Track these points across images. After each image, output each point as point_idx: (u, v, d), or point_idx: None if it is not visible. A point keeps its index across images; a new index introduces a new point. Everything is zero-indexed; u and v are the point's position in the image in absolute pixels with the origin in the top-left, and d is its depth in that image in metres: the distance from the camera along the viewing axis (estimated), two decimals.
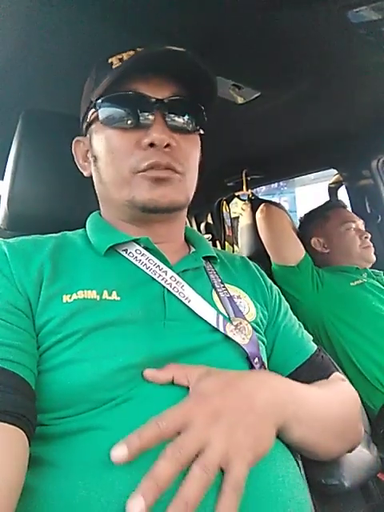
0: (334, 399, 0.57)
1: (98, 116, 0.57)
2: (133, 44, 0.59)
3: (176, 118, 0.55)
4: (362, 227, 1.35)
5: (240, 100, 0.98)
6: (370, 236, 1.32)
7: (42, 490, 0.40)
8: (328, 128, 1.24)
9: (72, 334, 0.47)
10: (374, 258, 1.33)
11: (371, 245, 1.32)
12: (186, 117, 0.56)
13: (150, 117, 0.54)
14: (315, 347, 0.68)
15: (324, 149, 1.36)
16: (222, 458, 0.38)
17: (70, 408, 0.45)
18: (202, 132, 0.61)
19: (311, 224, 1.42)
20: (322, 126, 1.22)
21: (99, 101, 0.56)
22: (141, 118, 0.54)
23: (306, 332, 0.70)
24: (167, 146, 0.54)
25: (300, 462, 0.54)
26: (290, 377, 0.62)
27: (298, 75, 0.89)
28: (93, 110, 0.58)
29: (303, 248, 1.29)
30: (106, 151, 0.57)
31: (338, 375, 0.66)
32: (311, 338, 0.70)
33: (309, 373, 0.63)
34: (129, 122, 0.55)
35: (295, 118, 1.15)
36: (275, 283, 1.23)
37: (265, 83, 0.92)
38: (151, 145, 0.53)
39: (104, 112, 0.56)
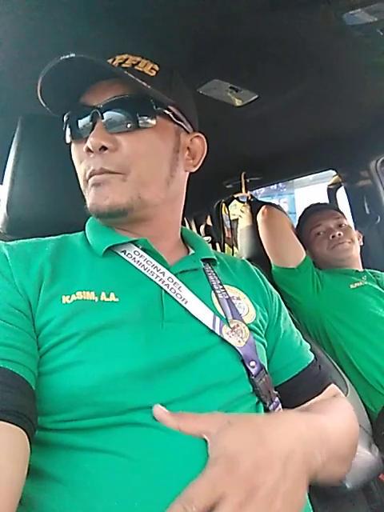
0: (345, 428, 0.55)
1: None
2: (131, 48, 0.59)
3: (113, 120, 0.54)
4: (334, 225, 1.31)
5: (238, 102, 0.98)
6: (339, 234, 1.28)
7: (45, 504, 0.41)
8: (326, 129, 1.24)
9: (72, 336, 0.47)
10: (350, 253, 1.29)
11: (343, 241, 1.28)
12: (126, 116, 0.55)
13: (89, 124, 0.55)
14: (312, 357, 0.68)
15: (322, 150, 1.36)
16: None
17: (71, 411, 0.45)
18: (149, 122, 0.56)
19: (297, 235, 1.41)
20: (320, 127, 1.22)
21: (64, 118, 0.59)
22: (81, 127, 0.56)
23: (304, 341, 0.70)
24: (103, 148, 0.54)
25: None
26: (286, 384, 0.63)
27: (295, 77, 0.90)
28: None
29: (303, 250, 1.29)
30: (74, 162, 0.60)
31: (333, 388, 0.67)
32: (309, 346, 0.70)
33: (305, 382, 0.64)
34: (75, 133, 0.57)
35: (293, 120, 1.16)
36: (275, 285, 1.24)
37: (262, 85, 0.92)
38: (90, 150, 0.54)
39: (65, 128, 0.59)
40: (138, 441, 0.44)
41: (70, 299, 0.50)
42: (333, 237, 1.29)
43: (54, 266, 0.54)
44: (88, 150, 0.54)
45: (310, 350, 0.70)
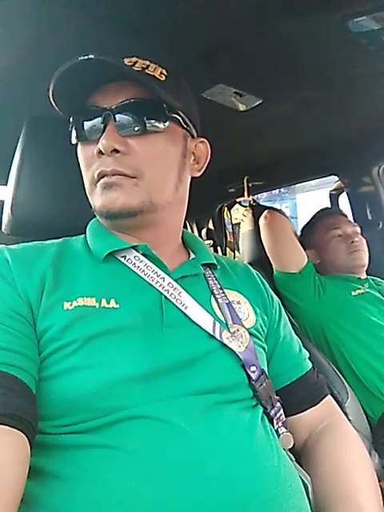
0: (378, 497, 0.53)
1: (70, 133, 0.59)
2: (136, 51, 0.59)
3: (126, 123, 0.54)
4: (352, 232, 1.32)
5: (242, 107, 0.99)
6: (358, 240, 1.29)
7: (45, 500, 0.41)
8: (329, 135, 1.25)
9: (73, 342, 0.48)
10: (365, 262, 1.30)
11: (361, 249, 1.29)
12: (139, 119, 0.54)
13: (100, 126, 0.54)
14: (310, 365, 0.68)
15: (325, 156, 1.37)
16: None
17: (70, 416, 0.45)
18: (161, 127, 0.56)
19: (304, 237, 1.42)
20: (322, 133, 1.22)
21: (70, 119, 0.58)
22: (92, 129, 0.55)
23: (304, 349, 0.70)
24: (116, 151, 0.54)
25: (307, 479, 0.54)
26: (282, 390, 0.62)
27: (299, 83, 0.90)
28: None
29: (305, 255, 1.29)
30: (80, 164, 0.59)
31: (330, 400, 0.66)
32: (308, 354, 0.70)
33: (302, 390, 0.64)
34: (84, 135, 0.56)
35: (296, 125, 1.16)
36: (277, 290, 1.24)
37: (266, 91, 0.93)
38: (102, 153, 0.54)
39: (72, 129, 0.58)
40: (135, 433, 0.44)
41: (71, 305, 0.50)
42: (352, 242, 1.28)
43: (55, 272, 0.54)
44: (99, 152, 0.54)
45: (311, 356, 0.70)
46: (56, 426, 0.46)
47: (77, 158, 0.61)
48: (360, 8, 0.64)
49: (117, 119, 0.54)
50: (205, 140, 0.66)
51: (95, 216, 0.64)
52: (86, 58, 0.50)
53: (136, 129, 0.54)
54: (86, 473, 0.42)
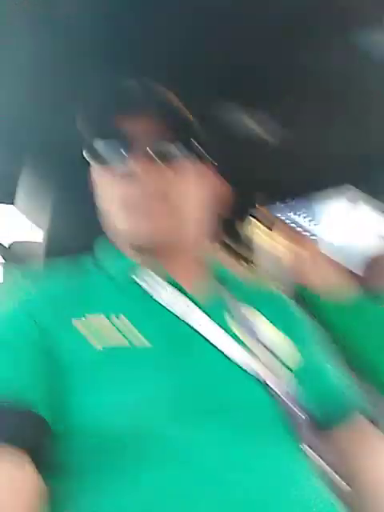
0: None
1: (86, 154, 0.59)
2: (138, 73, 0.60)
3: (161, 152, 0.55)
4: None
5: (250, 124, 1.00)
6: None
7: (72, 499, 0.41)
8: (341, 148, 1.24)
9: (100, 380, 0.47)
10: None
11: None
12: (173, 149, 0.55)
13: (129, 153, 0.54)
14: (340, 380, 0.65)
15: (339, 168, 1.36)
16: None
17: (93, 439, 0.44)
18: (193, 158, 0.58)
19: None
20: (335, 146, 1.22)
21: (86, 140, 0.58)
22: (121, 153, 0.55)
23: (332, 364, 0.67)
24: (150, 178, 0.54)
25: None
26: (311, 408, 0.59)
27: (307, 99, 0.90)
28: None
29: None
30: (99, 185, 0.59)
31: (362, 416, 0.63)
32: (338, 370, 0.67)
33: (331, 406, 0.62)
34: (112, 158, 0.56)
35: (308, 138, 1.16)
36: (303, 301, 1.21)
37: (275, 107, 0.93)
38: (127, 176, 0.54)
39: (88, 151, 0.58)
40: (160, 471, 0.42)
41: (98, 344, 0.49)
42: None
43: (77, 303, 0.53)
44: (134, 176, 0.54)
45: (341, 367, 0.68)
46: (75, 451, 0.44)
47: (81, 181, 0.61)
48: (363, 20, 0.64)
49: (153, 147, 0.54)
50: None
51: (100, 234, 0.63)
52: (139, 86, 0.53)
53: (171, 158, 0.55)
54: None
